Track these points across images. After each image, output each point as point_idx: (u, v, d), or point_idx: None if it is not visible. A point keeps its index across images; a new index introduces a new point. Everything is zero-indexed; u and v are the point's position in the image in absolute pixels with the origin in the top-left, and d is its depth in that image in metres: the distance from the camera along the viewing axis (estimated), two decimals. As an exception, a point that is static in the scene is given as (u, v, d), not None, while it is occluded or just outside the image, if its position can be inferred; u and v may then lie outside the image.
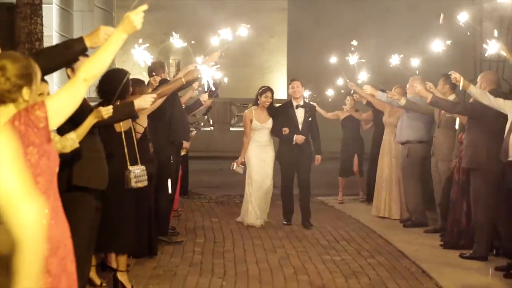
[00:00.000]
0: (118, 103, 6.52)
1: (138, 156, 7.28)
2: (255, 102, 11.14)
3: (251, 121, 10.98)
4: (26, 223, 2.97)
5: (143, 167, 7.20)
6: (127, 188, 6.87)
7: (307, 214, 11.12)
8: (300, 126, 10.99)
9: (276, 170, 11.40)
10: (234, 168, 11.14)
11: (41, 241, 3.12)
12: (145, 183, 7.24)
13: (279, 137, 11.08)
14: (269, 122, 11.01)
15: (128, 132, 7.04)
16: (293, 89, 11.14)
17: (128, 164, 6.98)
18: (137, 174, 7.01)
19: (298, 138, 10.78)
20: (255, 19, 25.56)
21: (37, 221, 3.05)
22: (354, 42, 11.52)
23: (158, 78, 8.96)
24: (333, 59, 12.48)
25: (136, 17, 3.87)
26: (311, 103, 12.04)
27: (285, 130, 10.78)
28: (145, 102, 6.75)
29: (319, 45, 22.37)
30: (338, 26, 24.86)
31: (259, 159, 11.01)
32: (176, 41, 8.93)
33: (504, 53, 7.58)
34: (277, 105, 11.87)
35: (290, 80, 11.47)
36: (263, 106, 10.96)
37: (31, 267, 3.00)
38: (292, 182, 11.28)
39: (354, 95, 12.85)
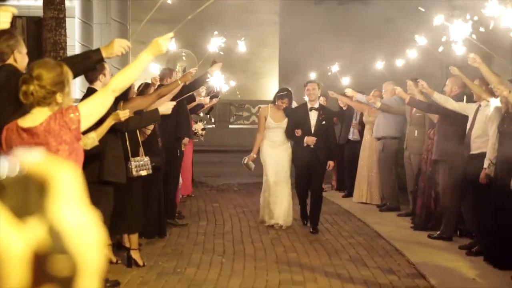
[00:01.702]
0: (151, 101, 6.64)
1: (141, 149, 7.37)
2: (273, 102, 9.86)
3: (265, 119, 9.65)
4: (91, 247, 2.97)
5: (146, 158, 7.28)
6: (129, 176, 6.88)
7: (316, 219, 9.45)
8: (312, 129, 9.35)
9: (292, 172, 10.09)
10: (246, 162, 9.76)
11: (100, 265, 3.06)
12: (149, 171, 7.29)
13: (292, 139, 9.61)
14: (284, 122, 9.59)
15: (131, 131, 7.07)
16: (308, 91, 9.53)
17: (130, 156, 7.03)
18: (138, 164, 7.08)
19: (309, 140, 9.22)
20: (251, 32, 25.63)
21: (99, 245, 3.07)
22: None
23: (157, 78, 9.00)
24: (313, 73, 12.39)
25: (163, 42, 3.97)
26: (329, 108, 10.36)
27: (298, 132, 9.30)
28: (167, 109, 6.95)
29: (307, 54, 22.37)
30: (324, 37, 24.88)
31: (274, 159, 9.53)
32: (171, 45, 8.76)
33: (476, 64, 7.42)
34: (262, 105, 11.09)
35: (306, 82, 9.88)
36: (280, 106, 9.68)
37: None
38: (306, 185, 9.64)
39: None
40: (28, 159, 0.88)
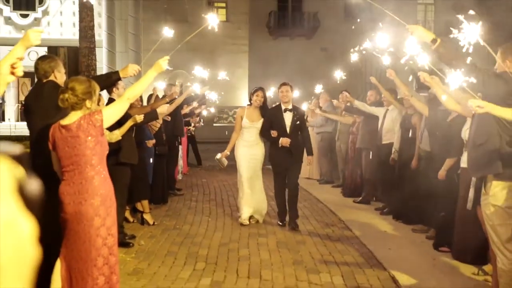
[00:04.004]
0: (148, 111, 6.55)
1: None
2: (249, 102, 7.65)
3: (241, 118, 7.51)
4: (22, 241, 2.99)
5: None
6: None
7: (294, 215, 7.29)
8: (288, 129, 7.24)
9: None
10: (219, 157, 7.60)
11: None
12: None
13: (267, 140, 7.44)
14: (259, 122, 7.46)
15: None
16: (282, 93, 7.36)
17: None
18: None
19: (283, 141, 7.12)
20: (228, 57, 25.47)
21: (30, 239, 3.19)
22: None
23: (156, 90, 8.95)
24: (273, 87, 12.22)
25: (163, 63, 4.07)
26: (301, 108, 8.32)
27: (274, 133, 7.19)
28: (163, 110, 6.85)
29: (269, 72, 22.36)
30: (279, 61, 24.94)
31: (249, 158, 7.42)
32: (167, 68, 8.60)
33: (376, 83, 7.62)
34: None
35: (280, 84, 7.53)
36: (256, 106, 7.43)
37: None
38: (283, 184, 7.45)
39: None
40: None
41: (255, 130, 7.43)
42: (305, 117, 7.64)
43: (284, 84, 7.38)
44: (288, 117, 7.25)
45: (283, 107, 7.29)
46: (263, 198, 7.57)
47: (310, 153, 7.53)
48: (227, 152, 7.57)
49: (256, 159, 7.44)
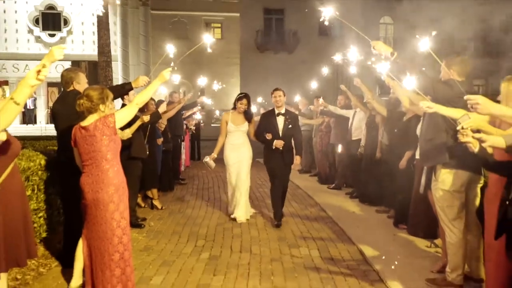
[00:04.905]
0: (152, 113, 6.44)
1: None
2: (233, 107, 6.65)
3: (226, 123, 6.61)
4: None
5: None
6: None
7: (279, 215, 6.37)
8: (280, 133, 6.36)
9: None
10: (207, 160, 6.72)
11: None
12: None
13: (262, 142, 6.49)
14: (244, 126, 6.57)
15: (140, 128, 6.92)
16: (275, 98, 6.45)
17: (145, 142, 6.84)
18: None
19: (277, 143, 6.28)
20: (223, 69, 25.32)
21: None
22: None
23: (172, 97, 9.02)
24: (260, 97, 12.12)
25: (166, 73, 4.00)
26: (294, 112, 7.36)
27: (268, 135, 6.33)
28: (163, 109, 6.66)
29: (258, 81, 22.35)
30: (265, 73, 24.89)
31: (235, 160, 6.53)
32: (175, 77, 8.40)
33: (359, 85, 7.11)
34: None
35: (273, 90, 6.58)
36: (239, 112, 6.59)
37: None
38: (279, 185, 6.47)
39: None
40: None
41: (240, 133, 6.57)
42: (298, 121, 6.68)
43: (277, 89, 6.54)
44: (280, 121, 6.42)
45: (276, 111, 6.47)
46: (246, 202, 6.57)
47: (298, 153, 6.49)
48: (214, 155, 6.68)
49: (243, 161, 6.51)
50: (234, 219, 6.48)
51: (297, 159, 6.45)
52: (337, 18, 3.85)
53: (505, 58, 16.35)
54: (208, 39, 4.70)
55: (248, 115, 6.60)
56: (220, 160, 6.72)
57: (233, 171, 6.55)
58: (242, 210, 6.48)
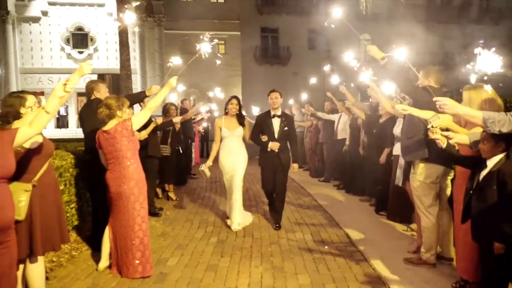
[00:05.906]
0: (165, 119, 6.39)
1: (169, 139, 7.04)
2: (225, 112, 5.53)
3: (220, 129, 5.47)
4: None
5: (167, 146, 6.94)
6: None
7: (278, 218, 5.44)
8: (276, 135, 5.32)
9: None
10: (202, 169, 5.64)
11: None
12: (168, 153, 6.95)
13: (257, 144, 5.44)
14: (238, 130, 5.45)
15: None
16: (271, 100, 5.38)
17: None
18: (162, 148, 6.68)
19: (273, 145, 5.27)
20: (226, 79, 25.26)
21: None
22: None
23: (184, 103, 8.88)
24: (257, 107, 11.91)
25: (173, 81, 3.96)
26: (290, 115, 6.27)
27: (264, 137, 5.32)
28: (177, 121, 6.70)
29: (257, 91, 22.30)
30: (263, 82, 24.82)
31: (232, 167, 5.40)
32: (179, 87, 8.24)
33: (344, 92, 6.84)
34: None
35: (269, 91, 5.48)
36: (232, 115, 5.47)
37: None
38: (272, 187, 5.45)
39: None
40: None
41: (235, 138, 5.46)
42: (294, 124, 5.66)
43: (273, 90, 5.48)
44: (276, 123, 5.37)
45: (272, 113, 5.41)
46: (240, 208, 5.46)
47: (295, 159, 5.55)
48: (209, 163, 5.58)
49: (236, 168, 5.39)
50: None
51: (294, 167, 5.45)
52: (323, 35, 3.82)
53: (460, 71, 16.34)
54: (205, 47, 4.36)
55: (241, 119, 5.52)
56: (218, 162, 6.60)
57: (228, 177, 5.48)
58: (236, 218, 5.37)
